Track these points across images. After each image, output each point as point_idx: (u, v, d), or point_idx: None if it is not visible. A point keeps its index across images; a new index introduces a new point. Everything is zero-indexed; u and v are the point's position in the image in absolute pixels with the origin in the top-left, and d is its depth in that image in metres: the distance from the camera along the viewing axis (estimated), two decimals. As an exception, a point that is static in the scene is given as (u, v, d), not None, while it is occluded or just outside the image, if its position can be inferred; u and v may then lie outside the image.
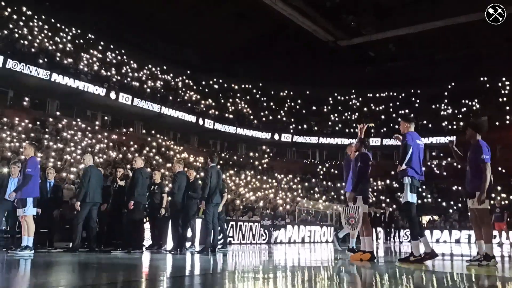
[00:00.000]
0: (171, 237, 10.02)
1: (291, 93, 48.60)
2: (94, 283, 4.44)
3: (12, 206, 8.22)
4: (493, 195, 8.59)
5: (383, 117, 44.24)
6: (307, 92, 47.78)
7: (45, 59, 28.07)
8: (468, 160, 6.83)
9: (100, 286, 4.11)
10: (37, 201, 7.89)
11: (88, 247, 8.96)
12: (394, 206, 29.60)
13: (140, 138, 33.98)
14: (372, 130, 42.21)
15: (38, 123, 26.53)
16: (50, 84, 28.10)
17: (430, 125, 40.49)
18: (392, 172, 37.01)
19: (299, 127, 44.35)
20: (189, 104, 38.24)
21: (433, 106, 44.31)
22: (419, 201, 7.84)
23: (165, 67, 40.92)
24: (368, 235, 7.61)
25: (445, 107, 43.96)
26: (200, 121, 37.63)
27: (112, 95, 31.33)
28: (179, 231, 9.50)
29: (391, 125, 40.22)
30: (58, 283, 4.28)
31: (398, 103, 46.54)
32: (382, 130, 41.53)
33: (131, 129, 35.22)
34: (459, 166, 8.29)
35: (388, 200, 34.90)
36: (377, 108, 46.52)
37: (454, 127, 39.22)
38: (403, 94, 47.37)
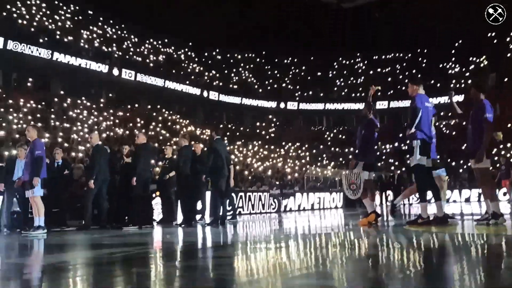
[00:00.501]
0: (180, 211, 10.11)
1: (295, 60, 48.02)
2: (107, 259, 4.50)
3: (22, 188, 8.29)
4: (496, 158, 8.51)
5: (390, 79, 43.71)
6: (312, 58, 47.16)
7: (46, 38, 27.86)
8: (470, 119, 6.72)
9: (114, 262, 4.16)
10: (45, 181, 7.96)
11: (100, 224, 9.07)
12: (403, 169, 29.60)
13: (145, 113, 33.95)
14: (379, 93, 41.84)
15: (43, 103, 26.53)
16: (52, 64, 27.99)
17: (438, 85, 39.93)
18: (400, 135, 36.83)
19: (305, 94, 44.02)
20: (193, 77, 37.99)
21: (441, 66, 43.63)
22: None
23: (166, 40, 40.47)
24: (365, 197, 7.64)
25: (453, 65, 43.25)
26: (205, 94, 37.47)
27: (115, 71, 31.20)
28: (188, 205, 9.56)
29: (398, 87, 39.79)
30: (72, 261, 4.34)
31: (405, 64, 45.87)
32: (389, 93, 41.10)
33: (136, 105, 35.15)
34: (469, 126, 8.15)
35: (396, 163, 34.85)
36: (384, 71, 45.91)
37: (463, 85, 38.62)
38: (409, 55, 46.61)
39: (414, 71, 42.94)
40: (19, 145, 9.42)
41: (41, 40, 27.38)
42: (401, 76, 42.52)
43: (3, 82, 28.11)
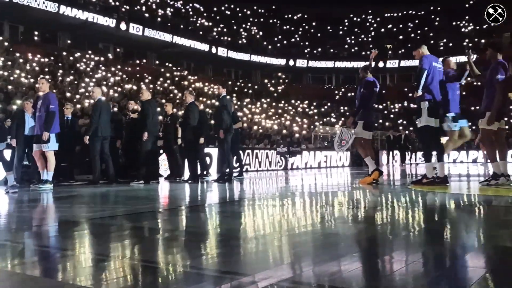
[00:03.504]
0: (187, 167, 10.23)
1: (306, 15, 46.97)
2: (113, 214, 4.61)
3: (32, 142, 8.35)
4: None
5: (401, 37, 42.76)
6: (322, 14, 46.08)
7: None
8: (486, 80, 6.64)
9: (120, 216, 4.27)
10: (58, 136, 8.03)
11: (107, 180, 9.20)
12: (411, 129, 29.47)
13: (153, 69, 33.74)
14: (390, 52, 41.05)
15: (52, 58, 26.41)
16: (59, 17, 27.64)
17: (450, 44, 39.05)
18: (410, 94, 36.40)
19: (314, 51, 43.32)
20: (201, 32, 37.41)
21: (454, 24, 42.47)
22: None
23: (174, -6, 39.64)
24: (367, 155, 7.72)
25: (466, 24, 42.07)
26: (213, 50, 37.00)
27: (123, 26, 30.78)
28: (195, 161, 9.66)
29: (409, 45, 38.95)
30: (80, 215, 4.46)
31: (417, 21, 44.71)
32: (400, 51, 40.33)
33: (144, 61, 34.91)
34: (478, 84, 8.01)
35: (405, 122, 34.65)
36: (395, 28, 44.83)
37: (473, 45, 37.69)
38: (422, 12, 45.33)
39: (426, 28, 41.86)
40: (25, 98, 9.43)
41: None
42: (412, 34, 41.54)
43: (10, 35, 27.92)
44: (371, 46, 41.80)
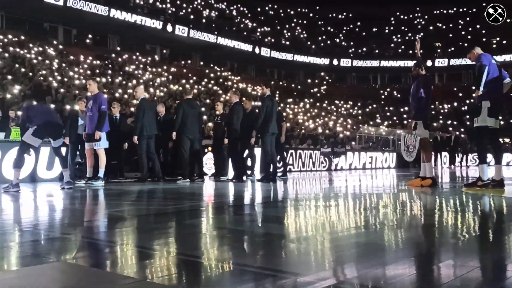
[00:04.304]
0: (231, 166, 10.29)
1: (350, 14, 46.29)
2: (156, 212, 4.70)
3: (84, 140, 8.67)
4: None
5: (450, 35, 41.31)
6: (367, 13, 45.27)
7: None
8: None
9: (167, 213, 4.35)
10: (108, 135, 8.33)
11: (154, 177, 9.41)
12: (462, 130, 28.42)
13: (197, 69, 34.27)
14: (438, 50, 39.77)
15: (106, 62, 27.36)
16: (109, 20, 28.60)
17: (504, 42, 37.35)
18: (460, 94, 35.14)
19: (359, 50, 42.62)
20: (245, 33, 37.64)
21: (508, 21, 40.57)
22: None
23: (219, -5, 40.13)
24: (429, 160, 7.41)
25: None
26: (257, 50, 37.13)
27: (169, 27, 31.44)
28: (239, 160, 9.71)
29: (460, 43, 37.57)
30: (125, 211, 4.58)
31: (468, 19, 43.04)
32: (449, 50, 38.98)
33: (189, 61, 35.51)
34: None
35: (455, 123, 33.47)
36: (444, 26, 43.37)
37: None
38: (473, 9, 43.59)
39: (478, 26, 40.22)
40: (79, 98, 9.80)
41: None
42: (463, 32, 40.04)
43: (64, 38, 29.15)
44: (416, 41, 40.69)
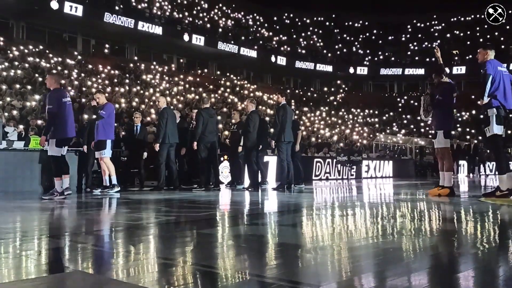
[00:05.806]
0: (247, 175, 10.30)
1: (366, 23, 46.15)
2: (177, 219, 4.73)
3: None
4: None
5: (468, 42, 40.85)
6: (383, 21, 45.06)
7: (121, 6, 28.85)
8: None
9: (184, 222, 4.38)
10: (112, 143, 8.53)
11: (170, 186, 9.48)
12: (480, 138, 28.00)
13: (214, 78, 34.49)
14: (456, 58, 39.35)
15: (123, 71, 27.75)
16: (127, 30, 29.02)
17: (523, 49, 36.80)
18: (478, 102, 34.56)
19: (375, 59, 42.42)
20: (261, 42, 37.81)
21: (528, 27, 40.02)
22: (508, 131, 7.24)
23: (234, 5, 40.37)
24: (449, 170, 7.30)
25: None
26: (273, 58, 37.24)
27: (186, 37, 31.75)
28: (255, 169, 9.72)
29: (478, 51, 37.09)
30: (142, 219, 4.62)
31: (486, 26, 42.48)
32: (467, 57, 38.51)
33: (205, 70, 35.77)
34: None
35: (473, 131, 32.99)
36: (462, 33, 42.91)
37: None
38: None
39: (496, 33, 39.72)
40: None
41: (117, 8, 28.41)
42: (481, 39, 39.53)
43: (83, 48, 29.67)
44: (435, 49, 40.30)
